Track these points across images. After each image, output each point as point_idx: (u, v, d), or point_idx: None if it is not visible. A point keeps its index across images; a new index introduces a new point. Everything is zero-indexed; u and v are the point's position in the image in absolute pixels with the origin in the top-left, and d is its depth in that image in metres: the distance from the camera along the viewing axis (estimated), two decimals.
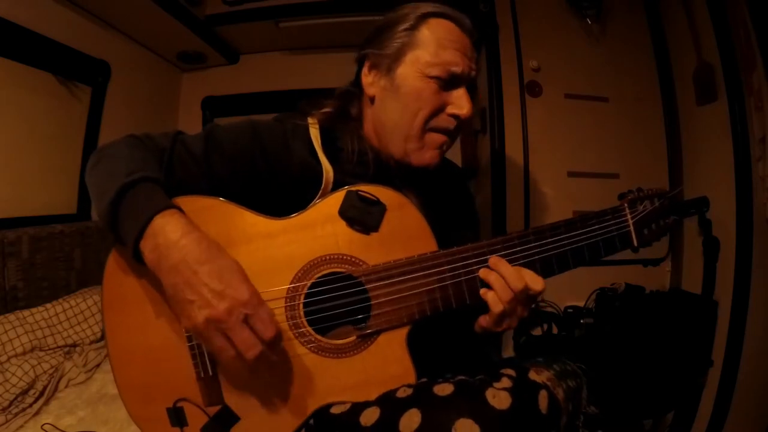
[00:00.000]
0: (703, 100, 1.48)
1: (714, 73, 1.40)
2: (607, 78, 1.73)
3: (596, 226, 0.70)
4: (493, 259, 0.64)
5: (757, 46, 1.22)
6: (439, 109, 0.73)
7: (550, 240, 0.68)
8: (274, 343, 0.55)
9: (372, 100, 0.77)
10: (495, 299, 0.63)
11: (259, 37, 2.08)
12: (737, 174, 1.32)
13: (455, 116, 0.73)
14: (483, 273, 0.64)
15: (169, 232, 0.55)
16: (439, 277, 0.65)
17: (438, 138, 0.74)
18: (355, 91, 0.80)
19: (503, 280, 0.62)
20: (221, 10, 1.92)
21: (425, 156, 0.74)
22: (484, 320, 0.66)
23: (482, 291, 0.64)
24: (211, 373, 0.62)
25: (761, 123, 1.24)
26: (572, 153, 1.73)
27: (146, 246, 0.56)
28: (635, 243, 0.71)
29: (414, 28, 0.72)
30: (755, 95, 1.26)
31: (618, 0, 1.73)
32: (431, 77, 0.71)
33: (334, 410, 0.62)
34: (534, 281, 0.62)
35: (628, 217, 0.71)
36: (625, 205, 0.72)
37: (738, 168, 1.32)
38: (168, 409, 0.62)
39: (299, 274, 0.64)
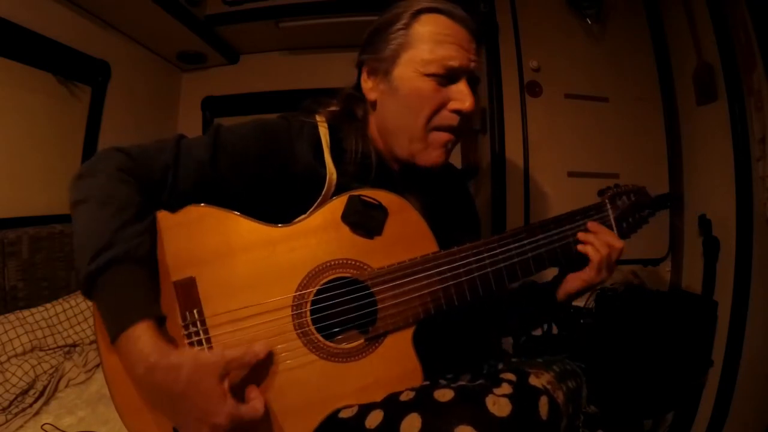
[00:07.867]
0: (703, 100, 1.48)
1: (714, 73, 1.40)
2: (607, 78, 1.72)
3: (581, 222, 0.74)
4: (590, 223, 0.74)
5: (757, 46, 1.22)
6: (440, 107, 0.71)
7: (541, 237, 0.71)
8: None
9: (374, 105, 0.76)
10: (594, 251, 0.72)
11: (259, 37, 2.08)
12: (737, 174, 1.31)
13: (457, 111, 0.72)
14: (582, 235, 0.73)
15: (135, 363, 0.54)
16: (441, 277, 0.66)
17: (442, 136, 0.73)
18: (359, 96, 0.79)
19: (599, 239, 0.72)
20: (221, 10, 1.92)
21: (431, 156, 0.73)
22: (585, 274, 0.74)
23: (580, 246, 0.73)
24: None
25: (761, 123, 1.24)
26: (572, 153, 1.73)
27: (120, 354, 0.57)
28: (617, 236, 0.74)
29: (407, 27, 0.71)
30: (755, 95, 1.26)
31: (618, 0, 1.73)
32: (429, 75, 0.70)
33: (343, 414, 0.62)
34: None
35: (610, 212, 0.75)
36: (606, 201, 0.76)
37: (738, 168, 1.31)
38: (175, 429, 0.59)
39: (304, 281, 0.64)
